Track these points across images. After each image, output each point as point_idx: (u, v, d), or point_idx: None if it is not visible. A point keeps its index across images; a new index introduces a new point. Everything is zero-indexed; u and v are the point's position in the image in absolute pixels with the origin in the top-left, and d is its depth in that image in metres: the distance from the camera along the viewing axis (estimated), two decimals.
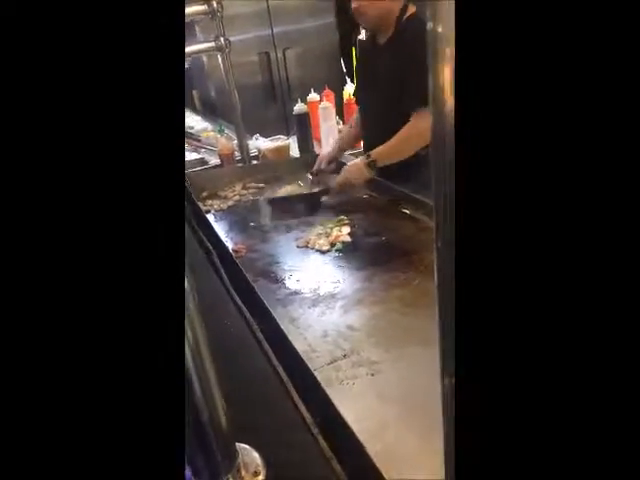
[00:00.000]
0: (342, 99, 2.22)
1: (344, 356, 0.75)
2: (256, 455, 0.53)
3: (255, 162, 1.92)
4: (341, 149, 1.65)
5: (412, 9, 1.36)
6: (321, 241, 1.15)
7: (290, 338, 0.75)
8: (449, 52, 0.21)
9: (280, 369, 0.71)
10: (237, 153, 1.90)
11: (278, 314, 0.83)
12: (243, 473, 0.50)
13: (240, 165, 1.87)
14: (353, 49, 2.60)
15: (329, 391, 0.63)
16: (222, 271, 1.02)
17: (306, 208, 1.39)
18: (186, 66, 2.50)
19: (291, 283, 1.01)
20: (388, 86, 1.39)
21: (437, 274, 0.26)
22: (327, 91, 2.10)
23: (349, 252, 1.11)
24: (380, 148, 1.38)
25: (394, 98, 1.36)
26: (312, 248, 1.15)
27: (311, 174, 1.60)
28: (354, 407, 0.64)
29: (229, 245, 1.20)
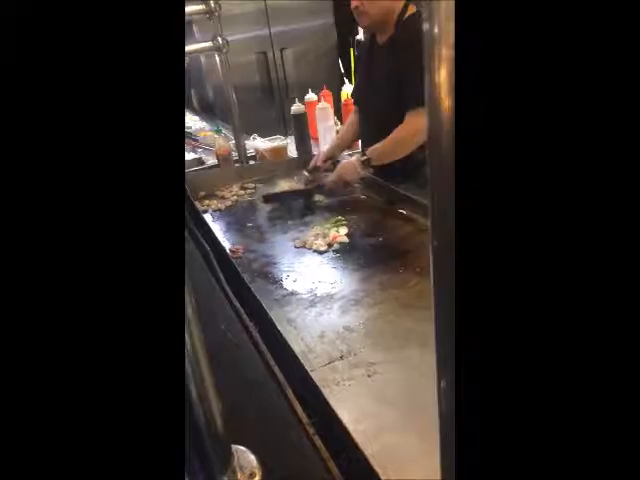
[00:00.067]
0: (340, 99, 2.21)
1: (341, 357, 0.75)
2: (252, 457, 0.52)
3: (252, 162, 1.92)
4: (338, 148, 1.65)
5: (412, 9, 1.36)
6: (318, 241, 1.15)
7: (287, 339, 0.75)
8: (445, 52, 0.21)
9: (277, 370, 0.70)
10: (234, 153, 1.90)
11: (275, 315, 0.83)
12: (239, 475, 0.50)
13: (237, 165, 1.87)
14: (351, 49, 2.60)
15: (326, 392, 0.63)
16: (219, 271, 1.02)
17: (299, 203, 1.42)
18: None
19: (288, 284, 1.01)
20: (387, 86, 1.39)
21: (433, 274, 0.26)
22: (325, 91, 2.10)
23: (346, 253, 1.11)
24: (375, 146, 1.38)
25: (393, 98, 1.36)
26: (309, 248, 1.15)
27: (307, 171, 1.60)
28: (351, 408, 0.64)
29: (226, 245, 1.20)
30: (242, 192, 1.60)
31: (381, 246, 1.13)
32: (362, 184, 1.46)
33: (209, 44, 1.69)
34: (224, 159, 1.85)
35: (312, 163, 1.60)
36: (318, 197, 1.47)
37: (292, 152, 1.99)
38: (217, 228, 1.35)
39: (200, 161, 2.05)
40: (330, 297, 0.93)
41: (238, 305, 0.89)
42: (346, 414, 0.59)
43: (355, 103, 1.68)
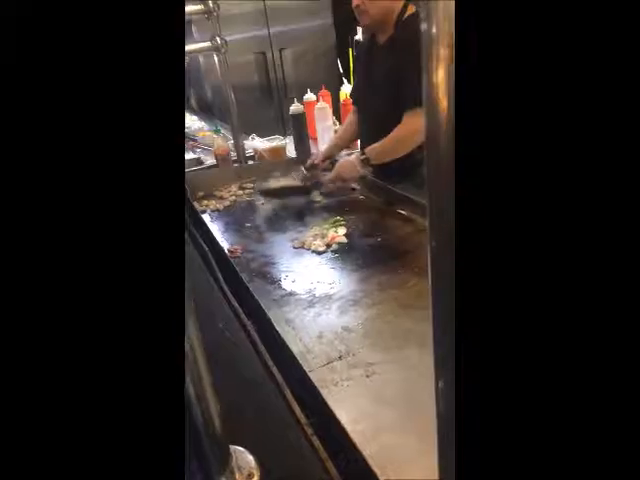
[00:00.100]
0: (339, 100, 2.22)
1: (340, 357, 0.75)
2: (250, 457, 0.52)
3: (251, 162, 1.92)
4: (337, 147, 1.65)
5: (411, 9, 1.36)
6: (317, 242, 1.15)
7: (285, 339, 0.75)
8: (443, 53, 0.21)
9: (275, 370, 0.70)
10: (233, 153, 1.90)
11: (273, 315, 0.83)
12: (237, 475, 0.50)
13: (236, 165, 1.87)
14: (350, 50, 2.60)
15: (324, 392, 0.63)
16: (217, 271, 1.02)
17: (297, 201, 1.43)
18: None
19: (287, 284, 1.01)
20: (386, 86, 1.39)
21: (431, 274, 0.26)
22: (324, 91, 2.11)
23: (345, 253, 1.11)
24: (374, 146, 1.38)
25: (391, 98, 1.36)
26: (308, 249, 1.15)
27: (305, 169, 1.60)
28: (349, 409, 0.64)
29: (225, 245, 1.20)
30: (241, 192, 1.60)
31: (380, 246, 1.13)
32: (361, 184, 1.46)
33: (208, 44, 1.69)
34: (223, 159, 1.85)
35: (310, 161, 1.60)
36: (317, 197, 1.47)
37: (291, 152, 1.99)
38: (215, 228, 1.35)
39: (199, 161, 2.05)
40: (329, 297, 0.93)
41: (236, 305, 0.89)
42: (344, 414, 0.59)
43: (354, 103, 1.68)
